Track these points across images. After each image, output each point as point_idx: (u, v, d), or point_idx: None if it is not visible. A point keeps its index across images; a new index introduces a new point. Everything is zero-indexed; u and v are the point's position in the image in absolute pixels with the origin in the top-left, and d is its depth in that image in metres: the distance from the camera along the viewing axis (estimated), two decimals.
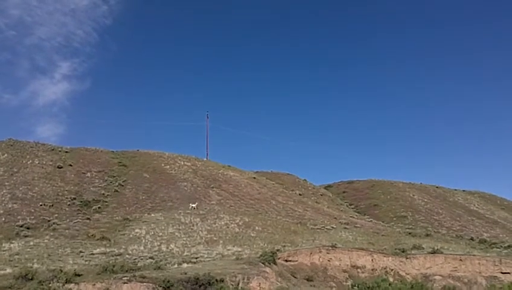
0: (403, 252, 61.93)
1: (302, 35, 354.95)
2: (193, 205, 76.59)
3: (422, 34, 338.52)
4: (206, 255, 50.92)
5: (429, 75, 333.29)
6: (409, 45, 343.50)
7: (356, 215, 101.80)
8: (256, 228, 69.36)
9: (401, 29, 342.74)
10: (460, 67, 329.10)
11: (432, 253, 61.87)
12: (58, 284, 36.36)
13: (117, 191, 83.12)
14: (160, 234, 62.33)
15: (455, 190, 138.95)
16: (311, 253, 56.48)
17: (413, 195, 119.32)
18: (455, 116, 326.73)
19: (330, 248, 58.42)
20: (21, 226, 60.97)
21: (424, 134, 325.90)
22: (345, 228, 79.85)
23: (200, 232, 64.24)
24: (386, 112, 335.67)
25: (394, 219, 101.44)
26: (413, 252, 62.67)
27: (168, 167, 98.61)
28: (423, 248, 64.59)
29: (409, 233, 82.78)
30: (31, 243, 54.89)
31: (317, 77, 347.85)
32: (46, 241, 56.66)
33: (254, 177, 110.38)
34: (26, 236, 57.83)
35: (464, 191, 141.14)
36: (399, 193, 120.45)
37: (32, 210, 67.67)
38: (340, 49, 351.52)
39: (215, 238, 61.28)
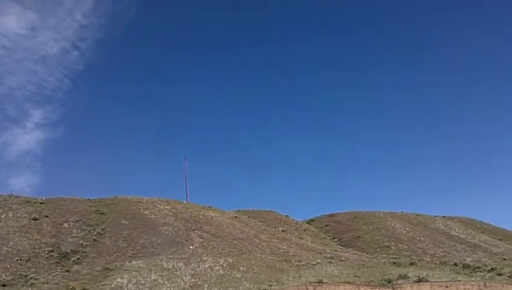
0: (389, 282, 61.59)
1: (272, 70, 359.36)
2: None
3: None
4: None
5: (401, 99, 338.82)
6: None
7: (340, 249, 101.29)
8: (241, 268, 68.26)
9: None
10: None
11: (417, 281, 61.81)
12: None
13: (96, 240, 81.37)
14: (143, 281, 60.84)
15: (435, 216, 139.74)
16: None
17: (395, 224, 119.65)
18: (426, 140, 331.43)
19: (317, 284, 57.78)
20: None
21: (400, 162, 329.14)
22: (330, 262, 79.06)
23: (183, 277, 62.92)
24: (361, 143, 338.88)
25: (378, 249, 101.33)
26: (399, 282, 62.36)
27: (147, 211, 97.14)
28: (409, 277, 64.29)
29: (394, 263, 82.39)
30: None
31: (293, 109, 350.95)
32: None
33: (236, 217, 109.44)
34: None
35: (443, 217, 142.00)
36: (381, 223, 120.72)
37: (8, 266, 65.72)
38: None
39: (199, 282, 60.12)
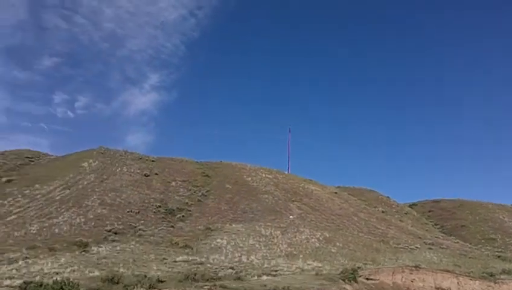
0: (491, 276, 58.85)
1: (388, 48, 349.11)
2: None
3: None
4: (285, 269, 50.65)
5: None
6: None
7: (442, 236, 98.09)
8: (337, 243, 68.39)
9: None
10: None
11: None
12: (142, 289, 37.41)
13: (200, 200, 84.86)
14: (241, 245, 62.80)
15: None
16: (393, 272, 54.79)
17: (504, 217, 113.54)
18: None
19: (414, 268, 56.45)
20: (109, 231, 63.47)
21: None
22: (430, 248, 77.04)
23: (280, 245, 64.15)
24: (475, 129, 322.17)
25: (482, 241, 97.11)
26: (502, 276, 59.49)
27: (250, 179, 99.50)
28: None
29: (498, 256, 78.71)
30: (118, 248, 56.90)
31: (398, 92, 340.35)
32: (132, 246, 58.57)
33: (335, 193, 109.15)
34: (113, 241, 60.08)
35: None
36: (488, 214, 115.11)
37: (120, 216, 70.32)
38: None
39: (295, 252, 60.95)
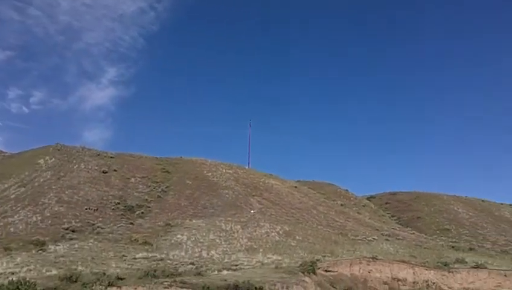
0: (445, 265, 60.63)
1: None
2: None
3: None
4: (246, 263, 51.12)
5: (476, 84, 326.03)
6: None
7: (398, 227, 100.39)
8: (297, 237, 69.22)
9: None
10: None
11: (475, 267, 60.46)
12: (101, 287, 37.20)
13: (160, 197, 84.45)
14: (201, 240, 62.94)
15: (501, 204, 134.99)
16: (351, 264, 56.00)
17: (458, 208, 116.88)
18: (497, 128, 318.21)
19: (371, 260, 57.77)
20: (66, 229, 62.57)
21: (470, 147, 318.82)
22: (387, 239, 78.80)
23: (240, 239, 64.55)
24: (430, 124, 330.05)
25: (437, 231, 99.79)
26: (456, 266, 61.33)
27: (210, 174, 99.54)
28: (466, 262, 63.12)
29: (452, 247, 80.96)
30: (76, 246, 56.23)
31: (359, 83, 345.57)
32: (90, 244, 57.97)
33: (295, 187, 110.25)
34: (71, 239, 59.29)
35: (510, 205, 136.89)
36: (443, 205, 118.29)
37: (78, 214, 69.37)
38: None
39: (255, 246, 61.45)
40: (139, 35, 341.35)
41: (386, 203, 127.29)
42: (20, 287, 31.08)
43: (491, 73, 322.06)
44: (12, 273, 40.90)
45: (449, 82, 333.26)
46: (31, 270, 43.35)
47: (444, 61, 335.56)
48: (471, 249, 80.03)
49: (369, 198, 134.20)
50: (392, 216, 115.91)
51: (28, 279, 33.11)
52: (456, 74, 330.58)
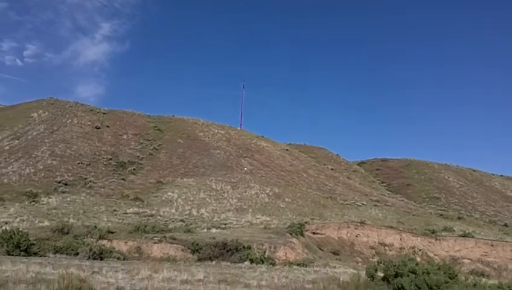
0: (432, 233, 61.47)
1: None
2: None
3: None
4: (235, 222, 51.65)
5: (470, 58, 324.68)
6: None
7: (388, 194, 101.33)
8: (286, 199, 69.85)
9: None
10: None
11: (462, 236, 61.30)
12: (92, 239, 37.65)
13: (152, 154, 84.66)
14: (192, 198, 63.44)
15: (492, 174, 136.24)
16: (339, 227, 56.75)
17: (448, 177, 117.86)
18: (494, 100, 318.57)
19: (359, 224, 58.52)
20: (59, 182, 62.87)
21: (463, 115, 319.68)
22: (376, 205, 79.58)
23: (230, 199, 65.07)
24: (424, 91, 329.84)
25: (427, 199, 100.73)
26: (443, 234, 62.19)
27: (202, 134, 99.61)
28: (454, 231, 64.04)
29: (441, 215, 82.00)
30: (68, 199, 56.66)
31: (355, 52, 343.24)
32: (82, 198, 58.40)
33: (287, 149, 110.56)
34: (63, 192, 59.68)
35: (501, 176, 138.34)
36: (434, 174, 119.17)
37: (70, 167, 69.60)
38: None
39: (244, 207, 61.97)
40: None
41: (377, 169, 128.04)
42: (13, 236, 31.39)
43: (488, 42, 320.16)
44: (6, 223, 41.30)
45: (443, 48, 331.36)
46: (23, 220, 43.77)
47: (438, 31, 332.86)
48: (459, 218, 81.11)
49: (360, 164, 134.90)
50: (382, 182, 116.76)
51: (20, 229, 33.41)
52: (452, 42, 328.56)
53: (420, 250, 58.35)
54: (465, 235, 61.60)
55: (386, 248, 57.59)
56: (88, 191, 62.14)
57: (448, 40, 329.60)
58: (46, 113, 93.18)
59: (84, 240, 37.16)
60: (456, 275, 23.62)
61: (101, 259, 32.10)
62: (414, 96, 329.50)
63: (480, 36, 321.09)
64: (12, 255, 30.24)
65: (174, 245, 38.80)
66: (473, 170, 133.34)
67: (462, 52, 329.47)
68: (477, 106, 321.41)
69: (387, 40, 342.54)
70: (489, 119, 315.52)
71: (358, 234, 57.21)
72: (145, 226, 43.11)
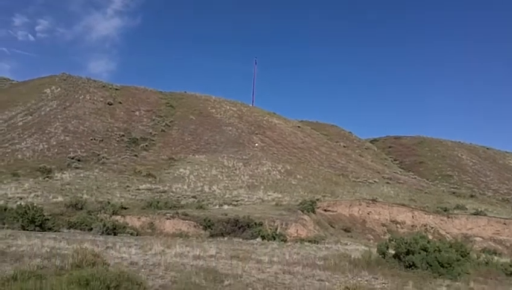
0: (445, 211, 61.32)
1: None
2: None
3: None
4: (246, 199, 51.93)
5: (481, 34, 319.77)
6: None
7: (400, 171, 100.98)
8: (298, 176, 69.89)
9: None
10: None
11: (474, 214, 60.99)
12: (105, 215, 38.03)
13: (164, 131, 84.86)
14: (204, 175, 63.69)
15: (506, 152, 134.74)
16: (350, 205, 56.76)
17: (461, 155, 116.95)
18: (506, 77, 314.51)
19: (370, 202, 58.46)
20: (72, 158, 63.30)
21: (476, 93, 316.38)
22: (388, 183, 79.44)
23: (242, 176, 65.24)
24: (437, 69, 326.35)
25: (439, 177, 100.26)
26: (455, 212, 62.00)
27: (214, 110, 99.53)
28: (466, 209, 63.85)
29: (453, 193, 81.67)
30: (81, 175, 57.10)
31: (366, 26, 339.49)
32: (95, 174, 58.83)
33: (298, 126, 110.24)
34: (76, 168, 60.10)
35: None
36: (447, 151, 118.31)
37: (83, 143, 69.99)
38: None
39: (256, 183, 62.16)
40: None
41: (389, 147, 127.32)
42: (28, 211, 31.75)
43: (503, 22, 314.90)
44: (21, 199, 41.85)
45: (457, 30, 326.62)
46: (38, 196, 44.29)
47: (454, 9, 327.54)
48: (472, 196, 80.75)
49: (372, 141, 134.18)
50: (395, 160, 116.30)
51: (35, 204, 33.78)
52: (468, 21, 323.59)
53: (432, 228, 58.24)
54: (477, 214, 61.32)
55: (398, 225, 57.58)
56: (101, 167, 62.55)
57: (465, 15, 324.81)
58: (59, 89, 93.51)
59: (98, 215, 37.55)
60: (468, 253, 23.61)
61: (115, 234, 32.43)
62: (427, 73, 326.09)
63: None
64: (27, 230, 30.60)
65: (187, 221, 39.11)
66: (487, 148, 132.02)
67: (476, 27, 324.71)
68: (492, 84, 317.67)
69: (401, 18, 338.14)
70: (504, 96, 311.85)
71: (370, 212, 57.21)
72: (158, 202, 43.46)
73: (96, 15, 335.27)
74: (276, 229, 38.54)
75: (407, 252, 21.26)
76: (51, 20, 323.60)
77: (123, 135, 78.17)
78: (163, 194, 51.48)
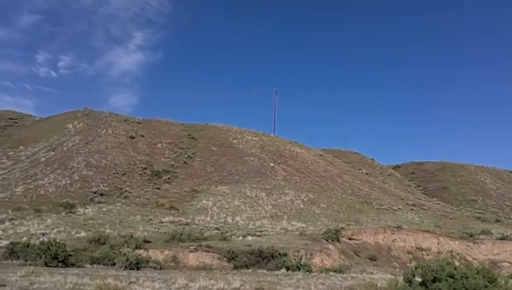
0: (470, 236, 60.13)
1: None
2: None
3: None
4: (270, 229, 51.49)
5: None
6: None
7: (424, 197, 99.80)
8: (321, 205, 69.40)
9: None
10: None
11: (501, 239, 59.67)
12: (128, 249, 37.95)
13: (186, 163, 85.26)
14: (227, 206, 63.55)
15: None
16: (375, 233, 55.96)
17: (485, 179, 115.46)
18: None
19: (395, 229, 57.61)
20: (95, 193, 63.84)
21: (498, 117, 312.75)
22: (412, 209, 78.45)
23: (265, 206, 64.96)
24: (458, 94, 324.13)
25: (463, 202, 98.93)
26: (481, 237, 60.74)
27: (235, 141, 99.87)
28: (492, 234, 62.54)
29: (478, 218, 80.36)
30: (104, 209, 57.44)
31: (385, 55, 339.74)
32: (118, 208, 59.14)
33: (320, 155, 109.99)
34: (99, 202, 60.54)
35: None
36: (470, 176, 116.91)
37: (106, 178, 70.58)
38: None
39: (279, 213, 61.81)
40: (167, 0, 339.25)
41: (412, 173, 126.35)
42: (50, 247, 31.87)
43: None
44: (43, 235, 42.09)
45: (479, 52, 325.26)
46: (60, 232, 44.55)
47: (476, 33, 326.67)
48: (497, 220, 79.37)
49: (395, 167, 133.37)
50: (418, 186, 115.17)
51: (58, 240, 33.93)
52: (487, 41, 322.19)
53: (458, 254, 57.04)
54: (503, 238, 59.98)
55: (424, 252, 56.53)
56: (124, 201, 62.93)
57: (488, 43, 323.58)
58: (81, 124, 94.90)
59: (121, 250, 37.48)
60: (496, 279, 22.98)
61: (138, 269, 32.34)
62: (449, 98, 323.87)
63: None
64: (50, 266, 30.67)
65: (210, 253, 38.86)
66: (510, 171, 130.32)
67: (497, 52, 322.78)
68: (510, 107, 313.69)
69: (421, 41, 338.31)
70: None
71: (395, 239, 56.30)
72: (181, 235, 43.30)
73: (118, 50, 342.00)
74: (301, 259, 38.04)
75: (434, 280, 20.78)
76: (73, 56, 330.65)
77: (145, 168, 78.71)
78: (186, 226, 51.36)
